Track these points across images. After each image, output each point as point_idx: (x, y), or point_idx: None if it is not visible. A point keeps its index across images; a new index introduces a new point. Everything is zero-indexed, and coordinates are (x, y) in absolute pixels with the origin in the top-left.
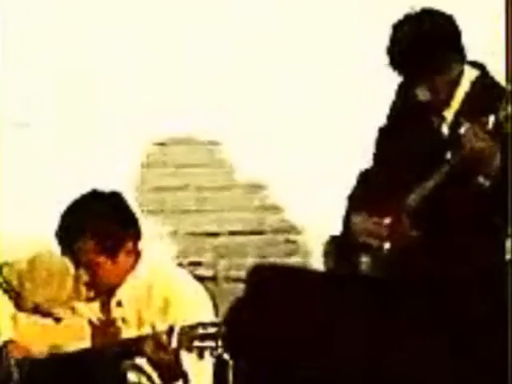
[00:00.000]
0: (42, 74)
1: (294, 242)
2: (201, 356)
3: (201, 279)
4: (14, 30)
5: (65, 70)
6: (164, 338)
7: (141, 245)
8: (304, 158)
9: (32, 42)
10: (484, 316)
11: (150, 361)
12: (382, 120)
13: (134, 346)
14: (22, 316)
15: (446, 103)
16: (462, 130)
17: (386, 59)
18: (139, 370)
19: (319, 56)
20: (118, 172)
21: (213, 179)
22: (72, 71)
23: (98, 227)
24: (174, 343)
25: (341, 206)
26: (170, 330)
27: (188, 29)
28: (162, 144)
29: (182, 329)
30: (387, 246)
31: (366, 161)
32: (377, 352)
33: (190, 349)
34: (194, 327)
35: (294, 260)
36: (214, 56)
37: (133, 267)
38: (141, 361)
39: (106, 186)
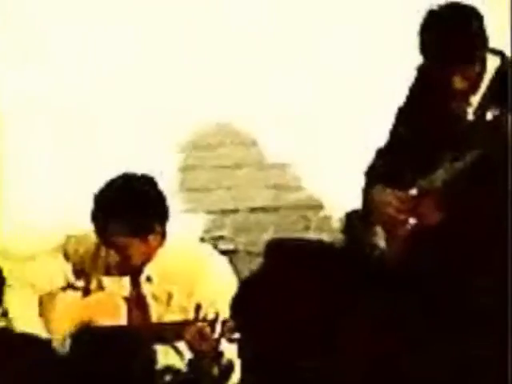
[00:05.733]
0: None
1: (308, 218)
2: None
3: (222, 253)
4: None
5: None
6: (207, 327)
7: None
8: (320, 137)
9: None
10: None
11: (191, 347)
12: (399, 102)
13: (175, 331)
14: (47, 296)
15: (475, 89)
16: (490, 115)
17: (407, 44)
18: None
19: (340, 39)
20: (138, 153)
21: (232, 158)
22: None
23: (130, 210)
24: (217, 334)
25: (356, 185)
26: (214, 321)
27: (211, 14)
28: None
29: (225, 321)
30: (412, 221)
31: (382, 141)
32: (390, 332)
33: (231, 340)
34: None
35: (308, 236)
36: (235, 39)
37: (160, 245)
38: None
39: (128, 168)
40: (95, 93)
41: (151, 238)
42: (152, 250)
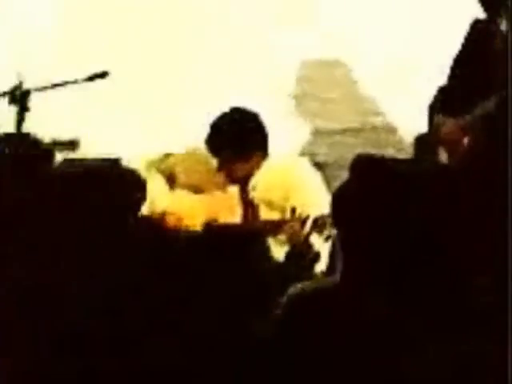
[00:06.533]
0: None
1: (387, 139)
2: (327, 240)
3: (317, 165)
4: None
5: None
6: (299, 223)
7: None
8: (397, 77)
9: None
10: None
11: (288, 239)
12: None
13: (276, 227)
14: (178, 192)
15: None
16: None
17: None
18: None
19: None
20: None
21: (332, 91)
22: None
23: (234, 138)
24: (307, 229)
25: (424, 113)
26: (305, 219)
27: None
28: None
29: (316, 218)
30: (465, 140)
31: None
32: None
33: (320, 234)
34: (324, 217)
35: (388, 153)
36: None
37: (260, 164)
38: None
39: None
40: None
41: (253, 159)
42: (253, 168)
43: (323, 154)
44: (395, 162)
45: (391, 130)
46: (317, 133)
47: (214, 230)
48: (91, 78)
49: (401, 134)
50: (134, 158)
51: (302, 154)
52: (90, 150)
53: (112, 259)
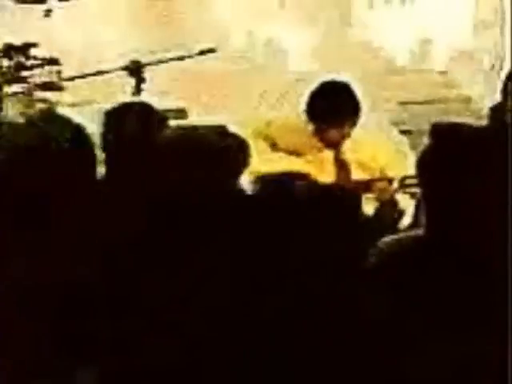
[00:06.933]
0: None
1: (466, 109)
2: (413, 196)
3: (401, 132)
4: None
5: None
6: (387, 183)
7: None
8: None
9: None
10: None
11: (376, 197)
12: None
13: (368, 186)
14: (280, 155)
15: None
16: None
17: None
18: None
19: None
20: None
21: (411, 65)
22: None
23: (328, 108)
24: (394, 187)
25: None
26: (392, 179)
27: None
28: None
29: (402, 178)
30: None
31: None
32: None
33: (405, 191)
34: (409, 178)
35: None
36: None
37: (354, 128)
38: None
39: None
40: None
41: (345, 126)
42: (345, 134)
43: (407, 122)
44: (469, 127)
45: (467, 100)
46: (401, 103)
47: (312, 189)
48: (198, 54)
49: (477, 104)
50: (239, 125)
51: (389, 122)
52: (197, 118)
53: (221, 216)
